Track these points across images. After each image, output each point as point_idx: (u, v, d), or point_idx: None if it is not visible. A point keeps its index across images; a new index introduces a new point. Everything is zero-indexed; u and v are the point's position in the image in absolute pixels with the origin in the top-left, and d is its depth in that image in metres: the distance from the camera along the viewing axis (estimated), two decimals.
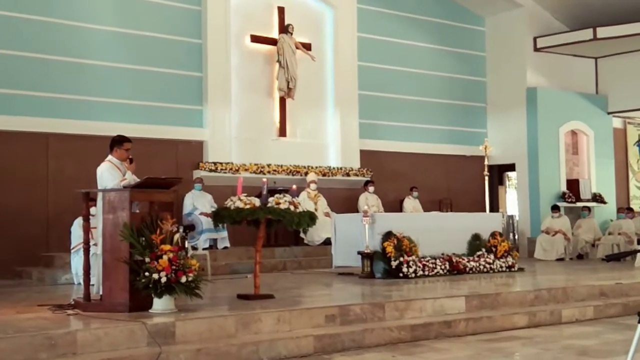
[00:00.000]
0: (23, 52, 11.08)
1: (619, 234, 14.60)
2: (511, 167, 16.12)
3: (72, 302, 6.84)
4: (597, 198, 15.96)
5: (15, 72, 11.00)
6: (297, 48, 13.52)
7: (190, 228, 11.03)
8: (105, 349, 5.54)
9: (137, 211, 6.61)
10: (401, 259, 9.77)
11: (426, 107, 15.44)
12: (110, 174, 6.81)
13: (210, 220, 10.27)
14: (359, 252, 10.06)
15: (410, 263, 9.79)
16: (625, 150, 17.21)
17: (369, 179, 14.05)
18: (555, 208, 14.79)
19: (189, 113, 12.62)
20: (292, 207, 7.41)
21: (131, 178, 6.89)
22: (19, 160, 10.91)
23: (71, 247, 9.49)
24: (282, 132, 13.49)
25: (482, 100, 16.27)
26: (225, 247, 11.79)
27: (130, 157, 7.09)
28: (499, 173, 16.30)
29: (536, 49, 15.72)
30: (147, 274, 6.15)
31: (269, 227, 7.78)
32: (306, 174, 13.30)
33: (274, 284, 8.90)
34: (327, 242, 11.76)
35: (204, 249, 11.15)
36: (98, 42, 11.77)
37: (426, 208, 14.19)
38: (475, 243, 10.91)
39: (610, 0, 14.74)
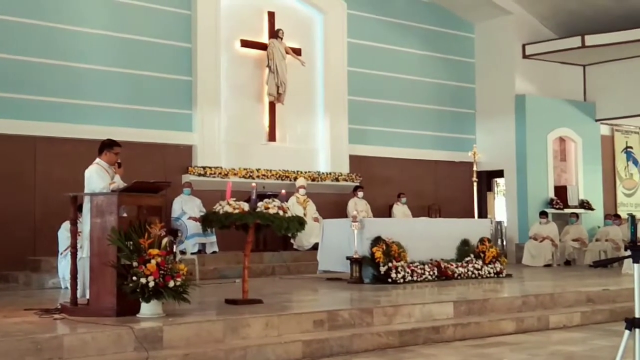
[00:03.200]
0: (11, 55, 11.02)
1: (606, 240, 14.67)
2: (499, 174, 16.18)
3: (59, 307, 6.80)
4: (585, 205, 16.04)
5: (2, 75, 10.93)
6: (287, 53, 13.53)
7: (173, 234, 10.98)
8: (92, 353, 5.51)
9: (125, 215, 6.58)
10: (390, 264, 9.77)
11: (415, 112, 15.49)
12: (98, 176, 6.78)
13: (198, 224, 10.22)
14: (347, 258, 10.06)
15: (399, 268, 9.79)
16: (612, 157, 17.31)
17: (358, 184, 14.06)
18: (543, 214, 14.86)
19: (178, 117, 12.59)
20: (281, 212, 7.40)
21: (120, 182, 6.87)
22: (6, 164, 10.83)
23: (58, 251, 9.43)
24: (272, 136, 13.49)
25: (471, 107, 16.34)
26: (214, 252, 11.75)
27: (119, 161, 7.07)
28: (487, 179, 16.36)
29: (525, 56, 15.80)
30: (134, 278, 6.13)
31: (258, 231, 7.76)
32: (295, 178, 13.29)
33: (262, 288, 8.87)
34: (316, 247, 11.71)
35: (192, 253, 11.11)
36: (87, 45, 11.72)
37: (415, 214, 14.21)
38: (464, 249, 10.92)
39: (598, 8, 14.85)
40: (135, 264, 6.18)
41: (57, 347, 5.40)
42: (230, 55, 13.23)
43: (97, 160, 6.99)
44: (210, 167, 12.54)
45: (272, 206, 7.38)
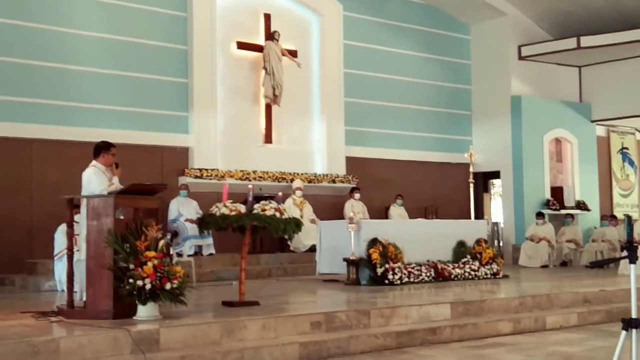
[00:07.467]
0: (6, 58, 11.00)
1: (603, 241, 14.70)
2: (496, 175, 16.19)
3: (56, 309, 6.78)
4: (581, 205, 16.06)
5: None
6: (283, 55, 13.53)
7: (172, 235, 10.98)
8: (88, 356, 5.49)
9: (122, 217, 6.57)
10: (387, 265, 9.78)
11: (412, 114, 15.50)
12: (98, 179, 6.77)
13: (195, 226, 10.22)
14: (344, 259, 10.06)
15: (396, 270, 9.79)
16: (608, 158, 17.34)
17: (354, 185, 14.06)
18: (539, 215, 14.88)
19: (175, 119, 12.59)
20: (277, 214, 7.39)
21: (118, 184, 6.86)
22: (2, 166, 10.81)
23: (54, 254, 9.42)
24: (268, 138, 13.49)
25: (467, 108, 16.35)
26: (211, 254, 11.75)
27: (116, 162, 7.06)
28: (483, 180, 16.38)
29: (521, 58, 15.83)
30: (131, 280, 6.11)
31: (255, 233, 7.75)
32: (292, 180, 13.29)
33: (259, 290, 8.87)
34: (313, 249, 11.74)
35: (189, 255, 11.10)
36: (83, 47, 11.71)
37: (412, 215, 14.20)
38: (461, 250, 10.93)
39: (594, 10, 14.89)
40: (131, 266, 6.17)
41: (53, 350, 5.39)
42: (226, 58, 13.22)
43: (94, 162, 6.96)
44: (206, 169, 12.53)
45: (268, 208, 7.38)
